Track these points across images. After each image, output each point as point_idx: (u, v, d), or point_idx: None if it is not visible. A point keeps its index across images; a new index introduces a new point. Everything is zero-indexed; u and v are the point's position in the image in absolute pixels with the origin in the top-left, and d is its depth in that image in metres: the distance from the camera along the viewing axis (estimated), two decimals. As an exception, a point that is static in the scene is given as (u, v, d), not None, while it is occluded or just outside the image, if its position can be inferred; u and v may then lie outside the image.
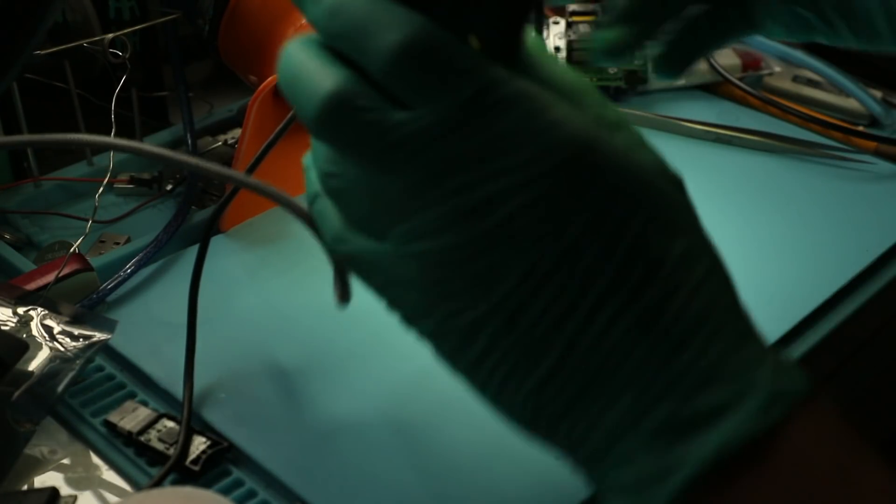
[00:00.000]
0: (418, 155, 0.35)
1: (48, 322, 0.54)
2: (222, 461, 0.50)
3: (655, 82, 0.79)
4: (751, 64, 0.80)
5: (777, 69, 0.79)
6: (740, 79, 0.79)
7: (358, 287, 0.60)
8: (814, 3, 0.52)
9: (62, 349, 0.53)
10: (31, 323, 0.54)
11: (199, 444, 0.50)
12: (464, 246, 0.35)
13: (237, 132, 0.74)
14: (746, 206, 0.67)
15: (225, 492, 0.49)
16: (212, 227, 0.56)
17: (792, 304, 0.59)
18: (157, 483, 0.48)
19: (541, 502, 0.48)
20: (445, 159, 0.35)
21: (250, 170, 0.56)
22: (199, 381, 0.53)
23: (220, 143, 0.73)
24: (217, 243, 0.61)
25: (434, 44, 0.35)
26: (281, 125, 0.57)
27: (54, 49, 0.65)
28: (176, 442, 0.50)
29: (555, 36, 0.81)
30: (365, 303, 0.59)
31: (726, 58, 0.80)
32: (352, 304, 0.59)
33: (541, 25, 0.83)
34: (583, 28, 0.79)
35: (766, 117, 0.77)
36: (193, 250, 0.62)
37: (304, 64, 0.37)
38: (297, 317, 0.58)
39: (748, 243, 0.64)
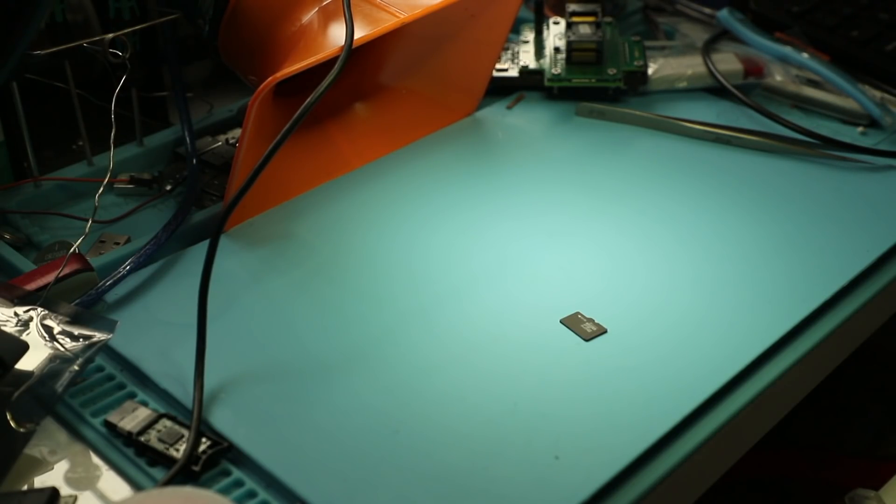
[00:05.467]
0: None
1: (48, 322, 0.54)
2: (222, 461, 0.50)
3: (655, 83, 0.79)
4: (753, 70, 0.80)
5: (779, 78, 0.79)
6: (742, 84, 0.79)
7: (355, 290, 0.60)
8: None
9: (62, 349, 0.53)
10: (31, 323, 0.54)
11: (199, 444, 0.50)
12: None
13: (237, 132, 0.75)
14: (746, 206, 0.67)
15: (225, 492, 0.49)
16: (223, 225, 0.56)
17: (792, 304, 0.59)
18: (167, 484, 0.48)
19: (540, 502, 0.48)
20: None
21: (258, 170, 0.56)
22: (199, 381, 0.53)
23: (220, 143, 0.73)
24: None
25: None
26: (286, 126, 0.57)
27: (54, 49, 0.65)
28: (176, 442, 0.50)
29: (555, 36, 0.81)
30: (365, 304, 0.59)
31: (728, 63, 0.80)
32: (351, 306, 0.59)
33: (540, 25, 0.83)
34: (583, 28, 0.79)
35: (765, 117, 0.77)
36: (193, 251, 0.62)
37: None
38: (297, 317, 0.58)
39: (748, 243, 0.64)
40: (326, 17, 0.64)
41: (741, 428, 0.55)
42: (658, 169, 0.71)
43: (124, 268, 0.60)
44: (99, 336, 0.54)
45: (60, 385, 0.52)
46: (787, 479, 0.82)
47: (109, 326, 0.54)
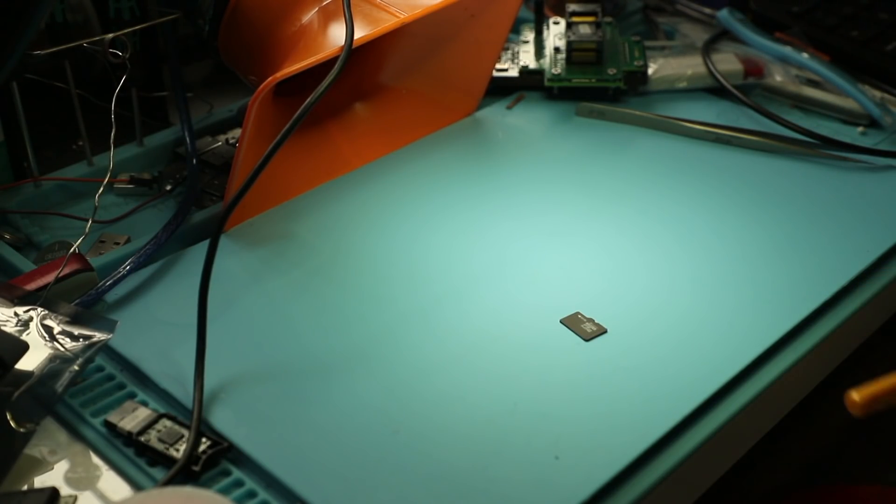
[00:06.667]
0: None
1: (48, 322, 0.54)
2: (222, 461, 0.50)
3: (655, 83, 0.79)
4: (753, 71, 0.80)
5: (779, 78, 0.79)
6: (742, 84, 0.79)
7: (355, 290, 0.60)
8: None
9: (62, 349, 0.53)
10: (31, 323, 0.54)
11: (199, 444, 0.50)
12: None
13: (237, 132, 0.75)
14: (746, 206, 0.67)
15: (225, 492, 0.49)
16: (223, 225, 0.56)
17: (792, 305, 0.59)
18: (167, 484, 0.48)
19: (540, 502, 0.48)
20: None
21: (258, 170, 0.56)
22: (199, 381, 0.53)
23: (220, 143, 0.73)
24: (217, 243, 0.61)
25: None
26: (286, 126, 0.57)
27: (54, 49, 0.65)
28: (176, 442, 0.50)
29: (555, 36, 0.81)
30: (365, 304, 0.59)
31: (728, 63, 0.80)
32: (351, 306, 0.59)
33: (541, 25, 0.83)
34: (583, 28, 0.79)
35: (765, 117, 0.77)
36: (193, 251, 0.62)
37: None
38: (297, 317, 0.58)
39: (748, 243, 0.64)
40: (326, 17, 0.64)
41: (741, 428, 0.54)
42: (658, 169, 0.71)
43: (124, 268, 0.60)
44: (99, 336, 0.54)
45: (60, 385, 0.52)
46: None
47: (109, 326, 0.54)
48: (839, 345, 0.61)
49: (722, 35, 0.84)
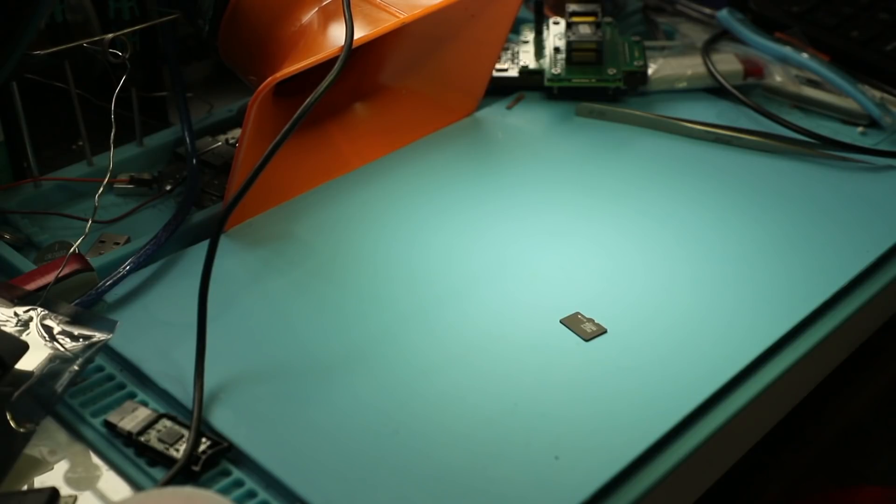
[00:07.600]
0: None
1: (48, 322, 0.54)
2: (222, 461, 0.50)
3: (655, 83, 0.79)
4: (753, 71, 0.80)
5: (779, 78, 0.79)
6: (742, 84, 0.79)
7: (355, 290, 0.60)
8: None
9: (62, 349, 0.53)
10: (31, 323, 0.54)
11: (199, 444, 0.50)
12: None
13: (237, 132, 0.75)
14: (746, 206, 0.67)
15: (225, 492, 0.49)
16: (223, 224, 0.56)
17: (792, 304, 0.59)
18: (167, 484, 0.48)
19: (540, 502, 0.48)
20: None
21: (258, 170, 0.56)
22: (199, 381, 0.53)
23: (220, 143, 0.73)
24: (217, 243, 0.61)
25: None
26: (286, 126, 0.57)
27: (54, 49, 0.64)
28: (176, 442, 0.50)
29: (555, 36, 0.81)
30: (365, 304, 0.59)
31: (728, 64, 0.80)
32: (351, 307, 0.59)
33: (541, 25, 0.83)
34: (583, 29, 0.79)
35: (765, 117, 0.77)
36: (193, 251, 0.62)
37: None
38: (297, 317, 0.58)
39: (748, 243, 0.64)
40: (326, 17, 0.64)
41: (741, 428, 0.55)
42: (658, 169, 0.71)
43: (124, 268, 0.60)
44: (99, 336, 0.54)
45: (60, 385, 0.52)
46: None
47: (109, 326, 0.54)
48: (839, 345, 0.61)
49: (722, 35, 0.84)
